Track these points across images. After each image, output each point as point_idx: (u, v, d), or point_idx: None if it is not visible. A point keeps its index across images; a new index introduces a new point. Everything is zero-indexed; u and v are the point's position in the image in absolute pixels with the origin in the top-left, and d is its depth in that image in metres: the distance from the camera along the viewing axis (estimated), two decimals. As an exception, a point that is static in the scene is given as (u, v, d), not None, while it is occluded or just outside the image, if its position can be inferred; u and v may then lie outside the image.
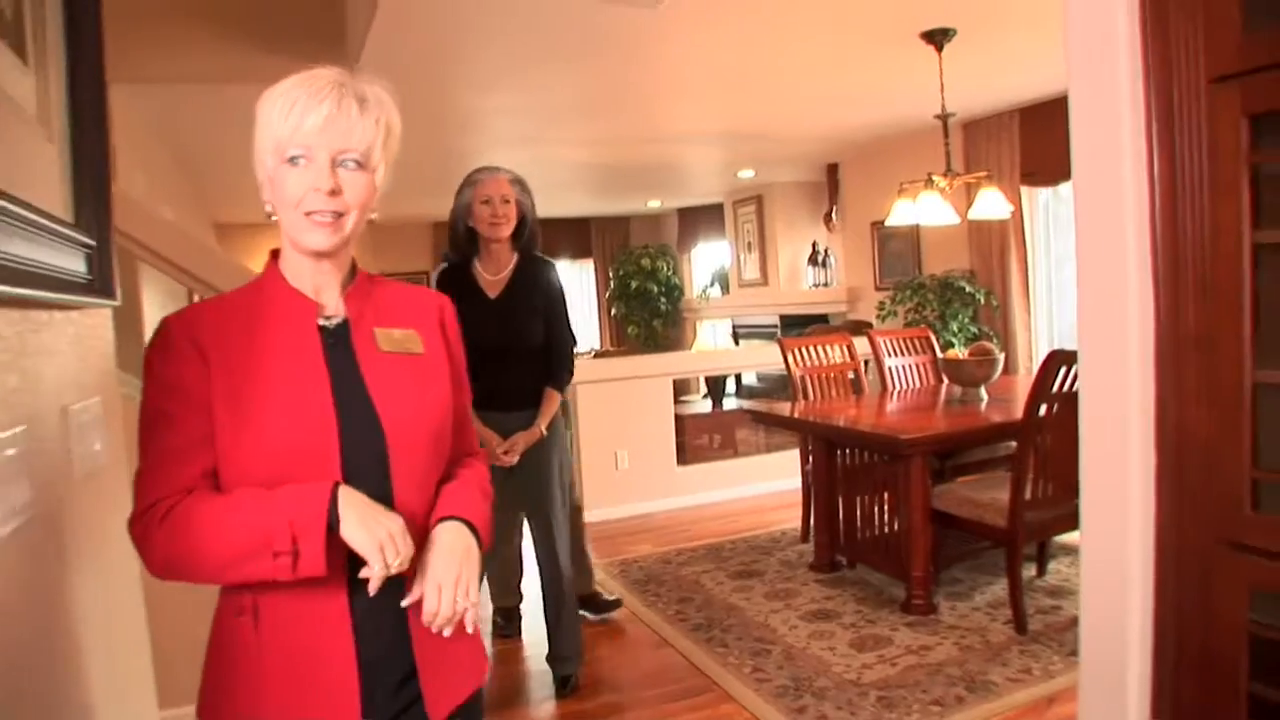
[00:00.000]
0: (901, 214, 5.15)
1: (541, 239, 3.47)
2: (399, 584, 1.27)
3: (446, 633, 1.27)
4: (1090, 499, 1.99)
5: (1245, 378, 1.65)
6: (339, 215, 1.26)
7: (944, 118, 4.91)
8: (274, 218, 1.31)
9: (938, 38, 4.49)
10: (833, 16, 4.24)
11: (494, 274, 3.32)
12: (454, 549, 1.30)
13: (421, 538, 1.31)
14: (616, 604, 4.35)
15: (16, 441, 1.25)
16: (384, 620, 1.30)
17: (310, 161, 1.24)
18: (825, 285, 10.10)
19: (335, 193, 1.24)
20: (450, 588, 1.26)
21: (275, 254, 1.38)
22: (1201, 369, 1.73)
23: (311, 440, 1.24)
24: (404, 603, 1.27)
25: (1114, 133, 1.83)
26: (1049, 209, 7.10)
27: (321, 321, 1.34)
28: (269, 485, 1.21)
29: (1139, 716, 1.82)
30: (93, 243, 1.59)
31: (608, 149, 7.87)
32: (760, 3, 3.99)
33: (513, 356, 3.27)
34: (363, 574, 1.18)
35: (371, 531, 1.17)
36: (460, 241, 3.31)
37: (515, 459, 3.24)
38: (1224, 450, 1.69)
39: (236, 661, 1.28)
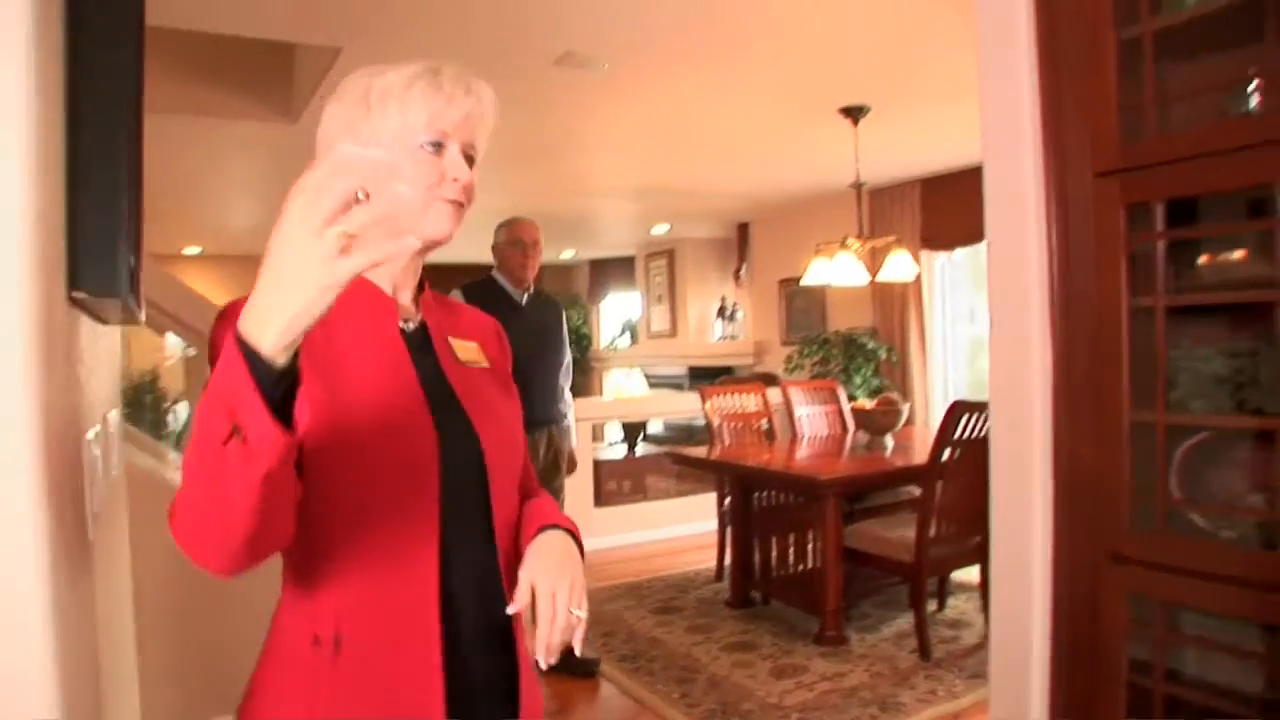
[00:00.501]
0: (817, 273, 5.56)
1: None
2: (500, 631, 1.19)
3: (554, 654, 1.13)
4: (999, 523, 2.31)
5: (1124, 419, 1.99)
6: (461, 206, 1.20)
7: (858, 186, 5.35)
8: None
9: (854, 113, 4.93)
10: (763, 87, 4.62)
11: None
12: (565, 554, 1.20)
13: (512, 562, 1.23)
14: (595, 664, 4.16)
15: (98, 443, 1.41)
16: (483, 663, 1.19)
17: (447, 150, 1.18)
18: (733, 338, 10.52)
19: (468, 185, 1.19)
20: (565, 593, 1.14)
21: None
22: (1090, 412, 2.07)
23: (411, 454, 1.13)
24: (509, 609, 1.16)
25: (1021, 214, 2.18)
26: (944, 272, 7.66)
27: (401, 324, 1.24)
28: (363, 502, 1.10)
29: (1040, 707, 2.13)
30: (134, 259, 1.76)
31: (527, 199, 8.12)
32: (694, 69, 4.35)
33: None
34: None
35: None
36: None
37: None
38: (1108, 479, 2.03)
39: (302, 695, 1.10)
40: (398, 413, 1.14)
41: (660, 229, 10.35)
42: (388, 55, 1.26)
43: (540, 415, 3.98)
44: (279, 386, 0.83)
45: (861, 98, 4.77)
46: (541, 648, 1.13)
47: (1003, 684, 2.26)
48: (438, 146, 1.17)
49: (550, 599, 1.12)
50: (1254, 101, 1.85)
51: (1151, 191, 1.94)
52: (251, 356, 0.81)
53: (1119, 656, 1.99)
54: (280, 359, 0.82)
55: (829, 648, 4.21)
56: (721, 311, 10.71)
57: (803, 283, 5.95)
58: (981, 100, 2.27)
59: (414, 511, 1.12)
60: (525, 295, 3.95)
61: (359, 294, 1.19)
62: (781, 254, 9.28)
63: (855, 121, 4.98)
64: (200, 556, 0.93)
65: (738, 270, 10.51)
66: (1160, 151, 1.92)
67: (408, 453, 1.12)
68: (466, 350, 1.29)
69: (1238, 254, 1.96)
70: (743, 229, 10.17)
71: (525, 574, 1.16)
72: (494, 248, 3.97)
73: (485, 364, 1.32)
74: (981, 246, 6.13)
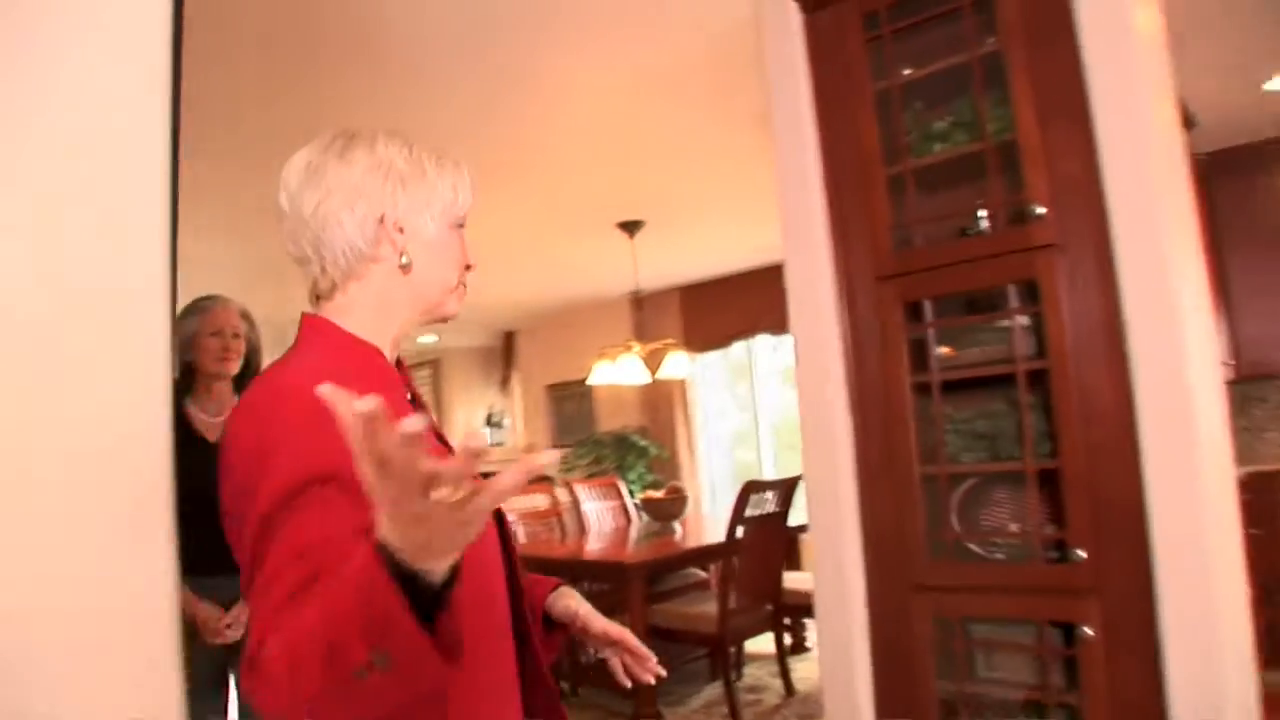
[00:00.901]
0: (601, 374, 5.96)
1: None
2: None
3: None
4: (820, 571, 2.71)
5: (915, 474, 2.48)
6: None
7: (636, 294, 5.86)
8: (402, 269, 1.14)
9: (631, 227, 5.45)
10: (542, 203, 5.03)
11: (213, 415, 2.84)
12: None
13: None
14: None
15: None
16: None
17: (464, 233, 1.22)
18: (501, 444, 10.71)
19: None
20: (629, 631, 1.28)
21: (313, 319, 1.18)
22: (886, 471, 2.55)
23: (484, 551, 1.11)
24: (618, 675, 1.32)
25: (818, 314, 2.66)
26: (703, 372, 8.35)
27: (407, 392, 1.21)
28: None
29: (868, 715, 2.53)
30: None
31: (294, 305, 8.02)
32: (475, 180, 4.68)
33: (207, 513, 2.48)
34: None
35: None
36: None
37: (240, 633, 2.61)
38: (906, 524, 2.49)
39: None
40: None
41: (427, 339, 10.47)
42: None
43: None
44: (435, 604, 0.76)
45: (638, 214, 5.31)
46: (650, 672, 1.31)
47: (835, 705, 2.63)
48: (460, 227, 1.21)
49: (629, 636, 1.30)
50: (984, 224, 2.45)
51: (919, 292, 2.49)
52: (403, 576, 0.73)
53: (928, 667, 2.43)
54: (444, 573, 0.76)
55: (646, 726, 4.46)
56: (489, 419, 10.89)
57: (588, 382, 6.36)
58: (782, 223, 2.77)
59: (494, 610, 1.13)
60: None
61: (381, 369, 1.15)
62: (550, 359, 9.68)
63: (631, 235, 5.51)
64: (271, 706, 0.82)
65: (505, 377, 10.79)
66: (924, 260, 2.47)
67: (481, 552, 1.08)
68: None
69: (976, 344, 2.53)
70: (509, 337, 10.51)
71: (599, 623, 1.31)
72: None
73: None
74: (731, 348, 6.87)
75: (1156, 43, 2.52)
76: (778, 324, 7.28)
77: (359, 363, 1.12)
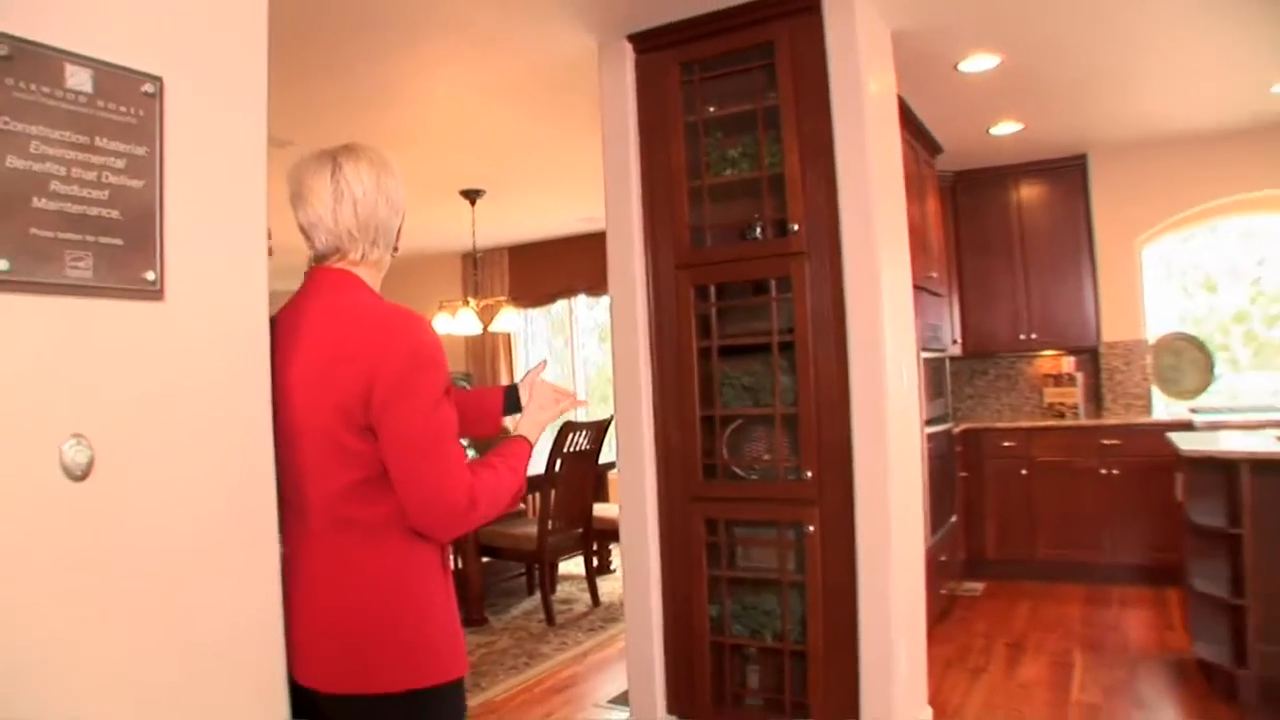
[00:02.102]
0: (440, 325, 6.55)
1: None
2: None
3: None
4: (624, 485, 3.51)
5: (696, 414, 3.31)
6: None
7: (474, 255, 6.48)
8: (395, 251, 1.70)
9: (472, 195, 6.05)
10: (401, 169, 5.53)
11: None
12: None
13: None
14: None
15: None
16: None
17: None
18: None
19: None
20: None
21: (350, 276, 1.61)
22: (676, 410, 3.37)
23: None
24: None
25: (631, 289, 3.43)
26: (527, 326, 9.04)
27: None
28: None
29: (656, 590, 3.37)
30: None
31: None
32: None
33: None
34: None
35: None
36: None
37: None
38: (688, 451, 3.33)
39: (446, 604, 1.61)
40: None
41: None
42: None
43: None
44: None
45: (480, 184, 5.90)
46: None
47: (633, 583, 3.46)
48: None
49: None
50: (758, 232, 3.29)
51: (707, 279, 3.31)
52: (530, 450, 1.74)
53: (701, 557, 3.30)
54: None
55: (475, 628, 5.18)
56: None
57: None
58: (607, 216, 3.52)
59: None
60: None
61: None
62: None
63: (473, 202, 6.10)
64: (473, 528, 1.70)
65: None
66: (712, 256, 3.29)
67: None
68: None
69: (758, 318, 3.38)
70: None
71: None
72: None
73: None
74: (554, 306, 7.53)
75: (888, 101, 3.43)
76: (595, 286, 8.12)
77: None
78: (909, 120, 4.61)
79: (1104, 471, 5.50)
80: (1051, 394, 6.11)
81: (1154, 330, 6.00)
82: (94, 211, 1.20)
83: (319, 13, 3.15)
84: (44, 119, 1.16)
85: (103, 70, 1.23)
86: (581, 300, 8.50)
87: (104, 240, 1.21)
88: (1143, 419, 5.64)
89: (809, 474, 3.13)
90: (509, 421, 2.02)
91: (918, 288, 4.63)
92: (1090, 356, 6.07)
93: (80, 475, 1.17)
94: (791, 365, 3.20)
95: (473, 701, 4.12)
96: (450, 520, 1.50)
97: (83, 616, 1.17)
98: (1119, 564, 5.40)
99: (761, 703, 3.38)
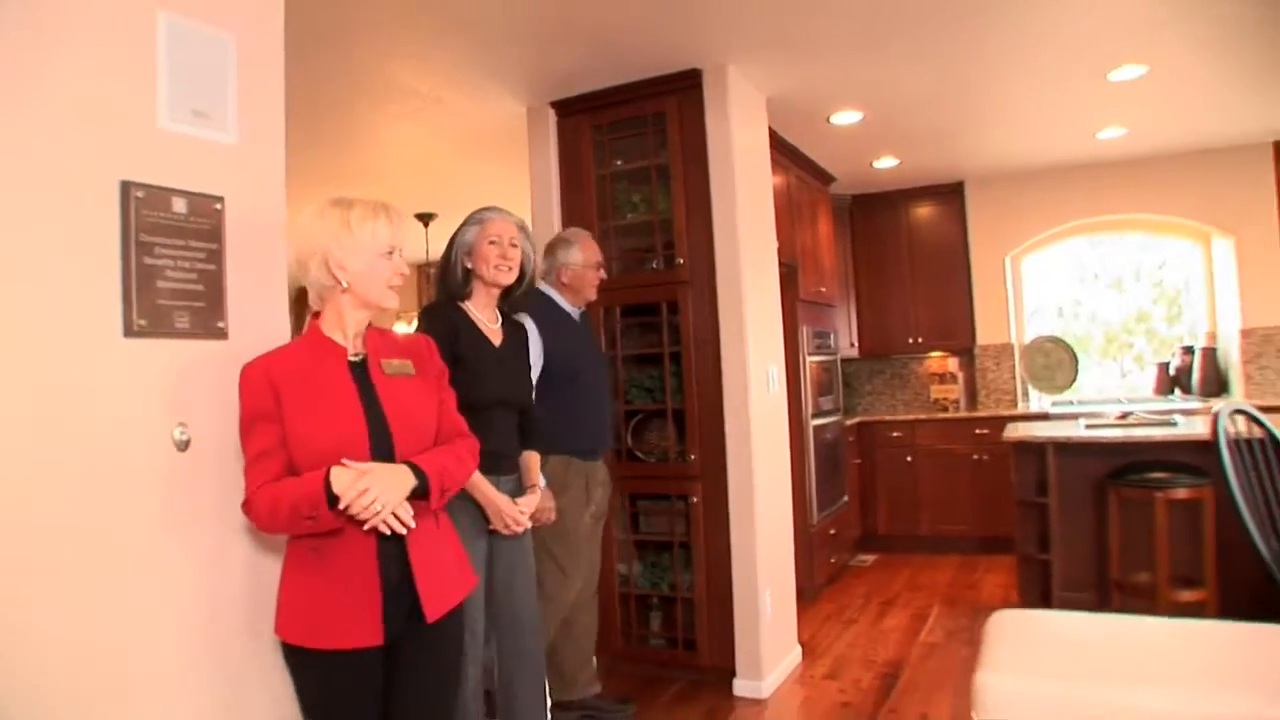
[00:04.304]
0: (399, 331, 7.27)
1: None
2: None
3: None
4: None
5: (616, 408, 4.12)
6: (400, 288, 1.99)
7: (427, 268, 7.20)
8: (344, 289, 1.91)
9: (426, 218, 6.79)
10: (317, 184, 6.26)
11: (491, 322, 2.89)
12: (389, 472, 1.85)
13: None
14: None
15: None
16: (395, 554, 1.92)
17: (395, 256, 1.96)
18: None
19: (405, 276, 2.00)
20: (368, 490, 1.80)
21: (315, 317, 1.98)
22: (593, 408, 4.18)
23: (350, 442, 1.86)
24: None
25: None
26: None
27: (351, 358, 1.96)
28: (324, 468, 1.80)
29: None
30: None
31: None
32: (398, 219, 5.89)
33: (506, 411, 2.85)
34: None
35: (346, 489, 1.76)
36: (455, 282, 2.88)
37: (527, 523, 2.81)
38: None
39: (303, 585, 1.89)
40: (342, 416, 1.89)
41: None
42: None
43: (610, 439, 3.65)
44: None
45: (433, 208, 6.64)
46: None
47: (556, 551, 4.25)
48: (390, 254, 1.96)
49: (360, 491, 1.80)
50: (654, 264, 4.10)
51: (614, 301, 4.10)
52: (328, 489, 1.76)
53: (612, 524, 4.10)
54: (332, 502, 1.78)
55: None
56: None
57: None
58: (533, 228, 4.29)
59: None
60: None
61: (326, 350, 1.95)
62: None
63: (426, 224, 6.84)
64: (265, 531, 1.95)
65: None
66: (619, 283, 4.08)
67: (349, 438, 1.87)
68: (393, 367, 2.00)
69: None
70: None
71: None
72: (564, 266, 3.48)
73: (411, 372, 2.04)
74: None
75: (759, 157, 4.25)
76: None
77: (304, 348, 1.96)
78: (798, 159, 5.46)
79: (976, 457, 6.41)
80: (936, 390, 7.02)
81: (1043, 330, 6.92)
82: (189, 287, 1.97)
83: (308, 78, 3.84)
84: (162, 232, 1.91)
85: (192, 197, 1.99)
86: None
87: (194, 304, 1.98)
88: (1009, 411, 6.56)
89: (693, 457, 3.95)
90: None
91: (806, 301, 5.51)
92: (968, 357, 6.98)
93: (183, 448, 1.94)
94: (679, 370, 4.01)
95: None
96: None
97: (178, 523, 1.94)
98: (987, 536, 6.28)
99: (663, 641, 4.19)
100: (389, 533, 1.85)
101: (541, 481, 3.00)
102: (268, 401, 1.86)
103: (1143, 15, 3.66)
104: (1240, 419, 3.01)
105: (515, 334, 2.97)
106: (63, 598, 1.74)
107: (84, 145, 1.83)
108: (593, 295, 3.53)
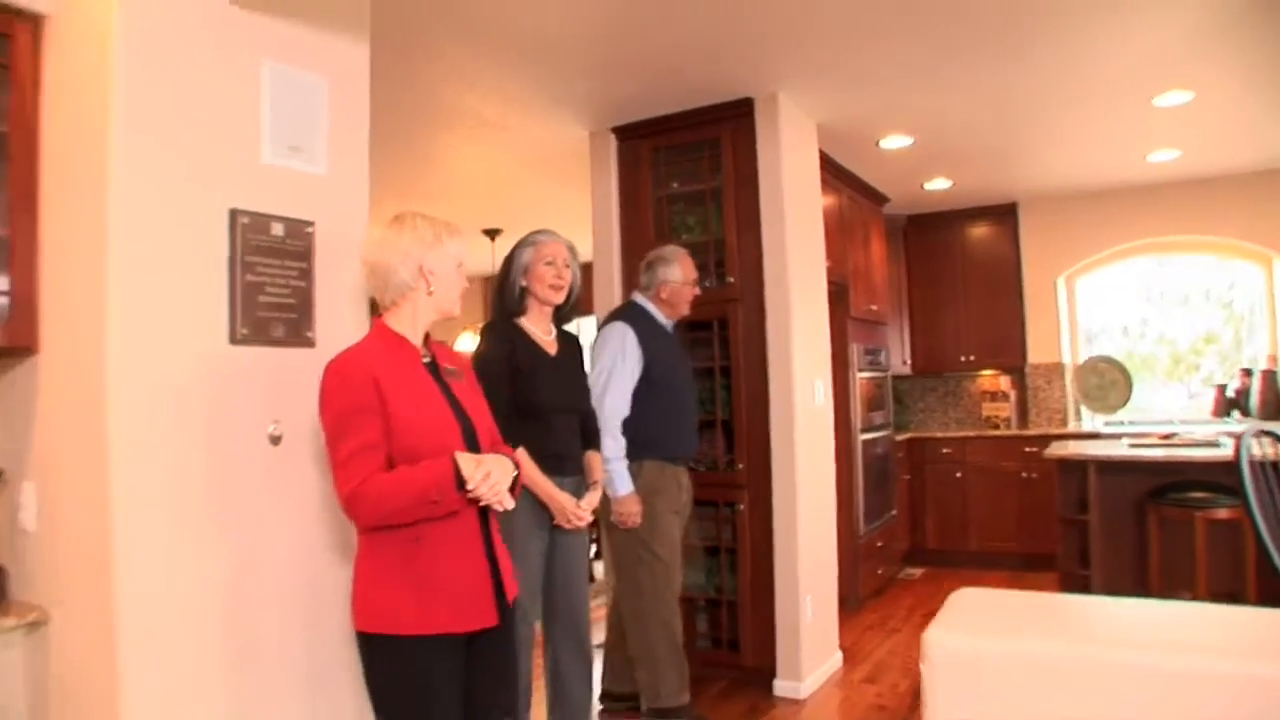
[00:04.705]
0: (465, 342, 7.58)
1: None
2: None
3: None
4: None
5: (660, 420, 4.33)
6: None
7: (491, 279, 7.49)
8: (431, 294, 2.04)
9: (492, 233, 7.10)
10: (437, 211, 6.59)
11: (546, 334, 3.15)
12: (495, 459, 1.98)
13: None
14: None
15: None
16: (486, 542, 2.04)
17: (463, 266, 2.11)
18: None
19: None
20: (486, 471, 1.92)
21: (376, 321, 2.09)
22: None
23: (447, 433, 1.98)
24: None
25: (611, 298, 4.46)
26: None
27: (424, 359, 2.07)
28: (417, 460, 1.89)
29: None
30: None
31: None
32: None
33: (566, 416, 3.13)
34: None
35: (473, 472, 1.87)
36: (512, 300, 3.12)
37: (590, 518, 3.08)
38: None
39: (406, 574, 1.92)
40: (439, 412, 2.02)
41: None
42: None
43: (695, 446, 3.78)
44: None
45: (497, 224, 6.95)
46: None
47: (608, 553, 4.48)
48: (460, 266, 2.11)
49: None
50: (707, 283, 4.30)
51: (669, 316, 4.32)
52: (457, 472, 1.86)
53: (659, 527, 4.30)
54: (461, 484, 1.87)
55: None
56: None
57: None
58: (594, 266, 4.54)
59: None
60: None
61: (403, 346, 2.05)
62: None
63: (493, 238, 7.14)
64: (364, 525, 1.93)
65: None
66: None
67: (446, 433, 2.00)
68: (450, 373, 2.14)
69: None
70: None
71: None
72: (664, 283, 3.62)
73: (462, 379, 2.18)
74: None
75: (809, 181, 4.43)
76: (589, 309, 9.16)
77: (383, 346, 2.03)
78: (850, 180, 5.63)
79: (1025, 475, 6.47)
80: (988, 408, 7.09)
81: (1106, 349, 6.94)
82: (284, 300, 2.24)
83: (389, 107, 4.11)
84: (262, 253, 2.19)
85: (288, 222, 2.26)
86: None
87: (288, 316, 2.25)
88: (1059, 430, 6.61)
89: (740, 466, 4.14)
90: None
91: (857, 319, 5.67)
92: (1019, 376, 7.04)
93: (276, 442, 2.21)
94: (729, 384, 4.21)
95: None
96: (344, 511, 1.93)
97: (271, 508, 2.21)
98: (1034, 553, 6.32)
99: (709, 642, 4.38)
100: (502, 510, 2.00)
101: (602, 480, 3.25)
102: (370, 395, 1.91)
103: (1186, 43, 3.76)
104: (1267, 440, 3.11)
105: (569, 345, 3.22)
106: (179, 556, 2.02)
107: (202, 178, 2.12)
108: (687, 310, 3.69)
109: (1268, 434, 3.12)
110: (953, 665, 0.86)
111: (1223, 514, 4.02)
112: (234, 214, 2.16)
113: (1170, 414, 6.83)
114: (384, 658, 1.96)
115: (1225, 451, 4.29)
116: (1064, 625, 0.96)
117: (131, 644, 1.95)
